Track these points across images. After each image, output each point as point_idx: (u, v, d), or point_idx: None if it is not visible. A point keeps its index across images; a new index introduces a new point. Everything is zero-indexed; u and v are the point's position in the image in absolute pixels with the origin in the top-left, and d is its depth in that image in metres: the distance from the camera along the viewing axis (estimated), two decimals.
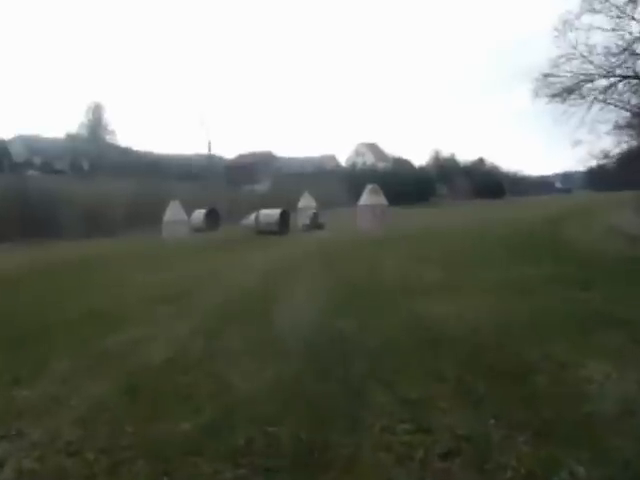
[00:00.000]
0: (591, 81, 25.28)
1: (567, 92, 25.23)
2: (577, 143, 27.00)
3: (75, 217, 43.19)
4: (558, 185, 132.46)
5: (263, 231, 32.32)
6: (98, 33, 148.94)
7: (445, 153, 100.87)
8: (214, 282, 13.90)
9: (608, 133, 28.18)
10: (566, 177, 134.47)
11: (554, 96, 25.58)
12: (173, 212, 38.97)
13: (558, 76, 25.55)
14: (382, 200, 34.88)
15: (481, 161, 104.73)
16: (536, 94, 26.42)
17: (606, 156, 33.10)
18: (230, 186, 63.83)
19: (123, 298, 12.23)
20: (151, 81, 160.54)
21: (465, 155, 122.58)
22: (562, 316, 8.05)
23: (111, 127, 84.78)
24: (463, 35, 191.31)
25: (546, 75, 25.89)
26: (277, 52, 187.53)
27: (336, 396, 5.41)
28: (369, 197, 34.71)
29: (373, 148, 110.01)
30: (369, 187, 35.37)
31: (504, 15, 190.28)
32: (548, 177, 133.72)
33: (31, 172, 62.01)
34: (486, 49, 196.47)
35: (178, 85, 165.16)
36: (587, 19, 23.88)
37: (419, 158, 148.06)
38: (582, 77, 25.25)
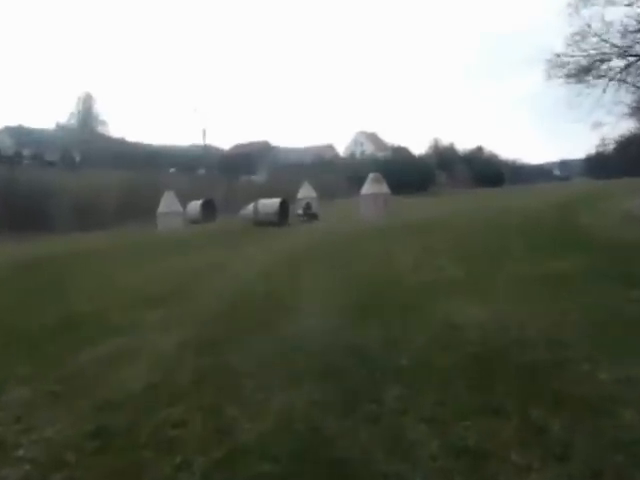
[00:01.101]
0: (607, 61, 24.08)
1: (583, 72, 23.94)
2: (597, 125, 25.83)
3: (66, 210, 42.33)
4: (556, 173, 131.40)
5: (262, 222, 30.92)
6: (90, 22, 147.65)
7: (444, 142, 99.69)
8: (209, 280, 12.56)
9: (631, 114, 26.93)
10: (564, 165, 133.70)
11: (569, 77, 24.31)
12: (167, 203, 37.63)
13: (573, 55, 24.36)
14: (385, 189, 33.76)
15: (479, 149, 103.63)
16: (549, 75, 25.24)
17: (604, 143, 32.38)
18: (227, 177, 62.41)
19: (108, 300, 10.93)
20: (145, 71, 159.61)
21: (463, 143, 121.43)
22: (626, 321, 6.73)
23: (103, 117, 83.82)
24: (461, 23, 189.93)
25: (559, 55, 24.69)
26: (274, 41, 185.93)
27: (366, 444, 4.13)
28: (372, 186, 33.56)
29: (372, 137, 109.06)
30: (371, 176, 34.23)
31: (499, 2, 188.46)
32: (546, 165, 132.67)
33: (26, 162, 60.88)
34: (484, 36, 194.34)
35: (173, 75, 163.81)
36: None
37: (418, 147, 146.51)
38: (598, 57, 24.01)
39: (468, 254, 13.45)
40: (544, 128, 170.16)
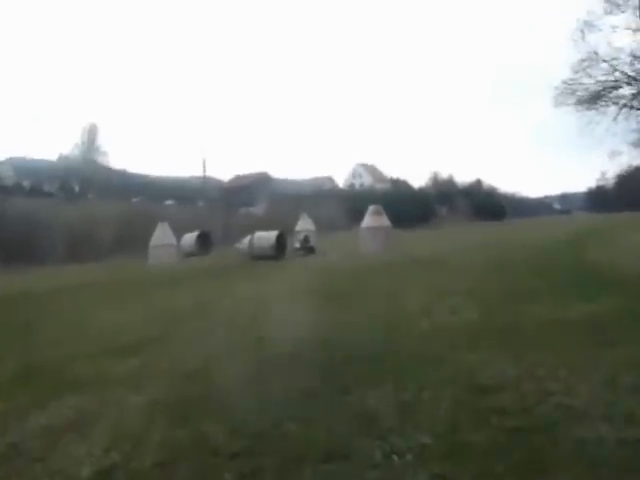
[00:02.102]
0: (618, 88, 23.26)
1: (593, 99, 23.09)
2: (615, 154, 25.19)
3: (60, 241, 41.57)
4: (557, 206, 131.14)
5: (258, 256, 29.82)
6: (93, 55, 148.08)
7: (443, 174, 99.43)
8: (193, 325, 11.30)
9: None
10: (564, 198, 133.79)
11: (579, 103, 23.48)
12: (161, 236, 36.30)
13: (581, 83, 23.58)
14: (385, 222, 32.70)
15: (478, 182, 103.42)
16: (557, 102, 24.45)
17: (604, 177, 32.12)
18: (226, 208, 61.65)
19: (77, 345, 9.70)
20: (147, 103, 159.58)
21: (462, 176, 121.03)
22: None
23: (104, 148, 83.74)
24: (461, 55, 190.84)
25: (567, 82, 23.90)
26: (274, 73, 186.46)
27: None
28: (372, 219, 32.50)
29: (371, 169, 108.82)
30: (371, 208, 33.18)
31: (500, 35, 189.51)
32: (546, 198, 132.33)
33: (22, 193, 60.15)
34: (484, 69, 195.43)
35: (174, 107, 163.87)
36: (610, 20, 22.02)
37: (417, 179, 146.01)
38: (608, 83, 23.21)
39: (482, 294, 12.23)
40: (543, 161, 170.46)
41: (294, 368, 6.99)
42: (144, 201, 59.51)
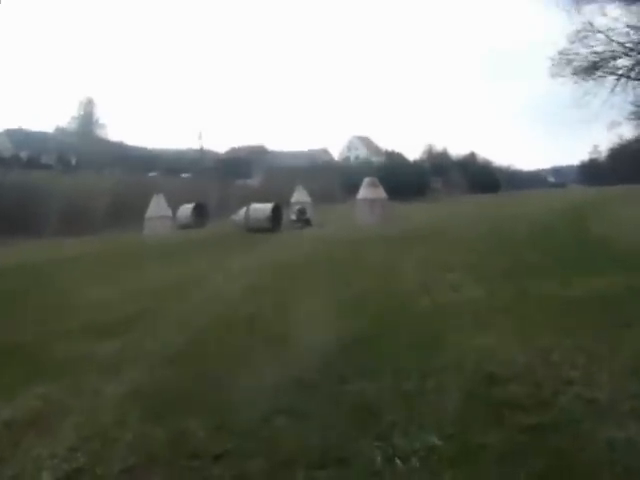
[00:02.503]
0: (616, 58, 22.60)
1: (591, 69, 22.44)
2: (615, 125, 24.72)
3: (55, 214, 40.89)
4: (550, 179, 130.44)
5: (253, 228, 29.28)
6: (91, 28, 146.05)
7: (438, 147, 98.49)
8: (184, 300, 10.77)
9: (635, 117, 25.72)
10: (557, 171, 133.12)
11: (575, 74, 22.85)
12: (156, 207, 35.70)
13: (577, 53, 22.93)
14: (382, 194, 32.10)
15: (473, 155, 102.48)
16: (553, 73, 23.83)
17: (597, 150, 32.09)
18: (222, 180, 60.87)
19: (59, 323, 9.11)
20: (144, 75, 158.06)
21: (456, 149, 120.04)
22: None
23: (102, 121, 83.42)
24: (455, 29, 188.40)
25: (562, 53, 23.29)
26: (269, 45, 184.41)
27: None
28: (368, 191, 31.88)
29: (366, 141, 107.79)
30: (367, 180, 32.58)
31: (495, 9, 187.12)
32: (539, 172, 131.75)
33: (20, 165, 59.60)
34: (478, 42, 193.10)
35: (171, 79, 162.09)
36: None
37: (411, 152, 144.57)
38: (605, 54, 22.56)
39: (483, 269, 11.69)
40: (537, 135, 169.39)
41: (286, 352, 6.47)
42: (141, 173, 58.68)
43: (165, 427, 4.52)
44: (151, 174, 61.50)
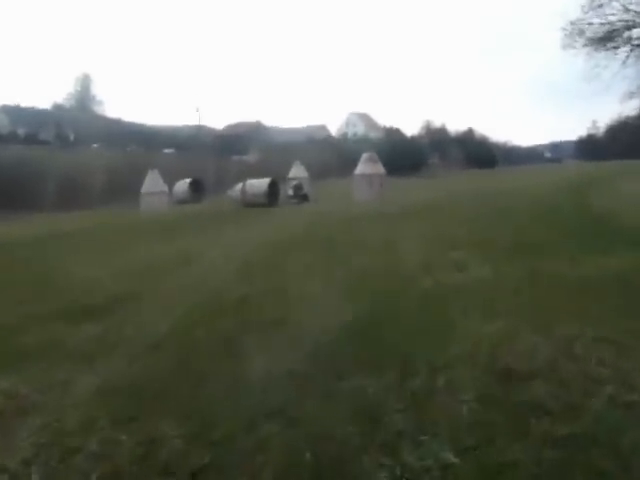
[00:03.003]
0: (629, 29, 21.78)
1: (605, 39, 21.65)
2: (631, 95, 24.03)
3: (52, 189, 40.81)
4: (547, 155, 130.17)
5: (250, 203, 28.84)
6: (88, 3, 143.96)
7: (436, 123, 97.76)
8: (175, 278, 10.16)
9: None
10: (554, 147, 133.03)
11: (589, 44, 22.07)
12: (151, 183, 35.34)
13: (590, 23, 22.13)
14: (380, 169, 31.48)
15: (470, 131, 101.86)
16: (564, 44, 23.08)
17: (595, 126, 31.34)
18: (219, 156, 60.29)
19: (38, 304, 8.44)
20: (141, 52, 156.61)
21: (454, 125, 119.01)
22: None
23: (100, 98, 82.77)
24: (453, 4, 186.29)
25: (575, 23, 22.49)
26: (267, 21, 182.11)
27: None
28: (365, 166, 31.25)
29: (364, 118, 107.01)
30: (365, 155, 31.93)
31: None
32: (536, 147, 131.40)
33: (18, 141, 59.01)
34: (477, 18, 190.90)
35: (169, 56, 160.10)
36: None
37: (410, 128, 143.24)
38: (619, 24, 21.75)
39: (488, 247, 11.06)
40: (534, 110, 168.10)
41: (278, 341, 5.88)
42: (138, 149, 58.17)
43: (136, 433, 3.89)
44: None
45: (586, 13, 22.01)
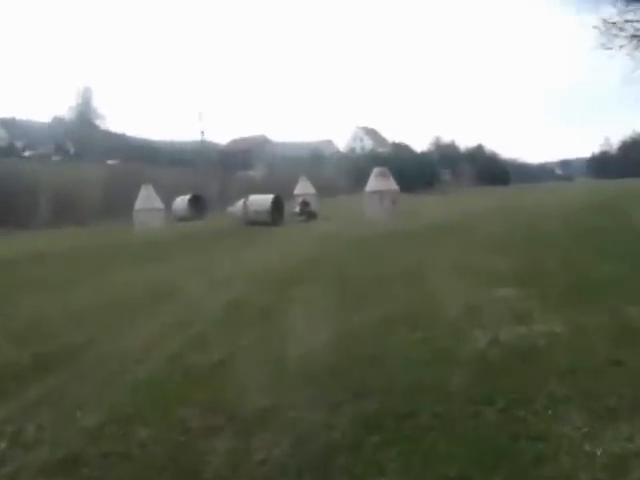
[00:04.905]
0: None
1: None
2: None
3: (46, 204, 39.88)
4: (558, 172, 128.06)
5: (253, 221, 26.93)
6: (90, 18, 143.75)
7: (445, 138, 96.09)
8: (149, 317, 8.18)
9: None
10: (565, 164, 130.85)
11: (621, 47, 20.24)
12: (145, 199, 33.30)
13: (628, 21, 20.32)
14: (392, 185, 29.72)
15: (480, 147, 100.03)
16: (600, 45, 21.24)
17: (608, 143, 30.02)
18: (224, 172, 58.75)
19: None
20: (145, 67, 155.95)
21: (464, 141, 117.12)
22: None
23: (101, 111, 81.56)
24: (460, 17, 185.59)
25: (610, 21, 20.66)
26: (274, 35, 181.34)
27: None
28: (377, 182, 29.47)
29: (372, 133, 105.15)
30: (377, 170, 30.22)
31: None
32: (547, 164, 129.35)
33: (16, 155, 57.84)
34: (484, 31, 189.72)
35: (173, 71, 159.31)
36: None
37: (418, 143, 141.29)
38: None
39: (542, 283, 8.68)
40: (542, 128, 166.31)
41: (255, 437, 3.77)
42: (138, 163, 56.61)
43: None
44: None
45: (623, 13, 20.29)
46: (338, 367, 5.35)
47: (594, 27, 21.38)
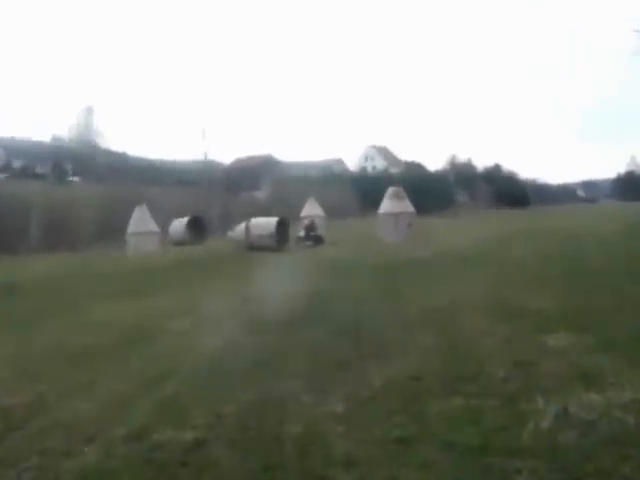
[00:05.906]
0: None
1: None
2: None
3: (37, 228, 37.67)
4: (581, 194, 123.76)
5: (255, 245, 24.64)
6: (95, 38, 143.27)
7: (461, 158, 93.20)
8: (108, 379, 6.23)
9: None
10: (588, 185, 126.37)
11: None
12: (139, 221, 30.88)
13: None
14: (408, 207, 27.18)
15: (497, 167, 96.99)
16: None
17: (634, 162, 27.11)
18: (228, 192, 56.46)
19: None
20: (147, 85, 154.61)
21: (480, 161, 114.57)
22: None
23: (102, 130, 79.86)
24: (473, 35, 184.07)
25: None
26: (281, 52, 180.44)
27: None
28: (392, 203, 26.93)
29: (383, 151, 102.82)
30: (391, 191, 27.70)
31: (517, 17, 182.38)
32: (568, 185, 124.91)
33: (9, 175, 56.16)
34: (499, 48, 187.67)
35: (177, 89, 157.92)
36: None
37: (432, 163, 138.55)
38: None
39: (603, 329, 6.53)
40: (566, 146, 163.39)
41: None
42: (137, 184, 54.87)
43: None
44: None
45: None
46: None
47: (634, 31, 19.02)
